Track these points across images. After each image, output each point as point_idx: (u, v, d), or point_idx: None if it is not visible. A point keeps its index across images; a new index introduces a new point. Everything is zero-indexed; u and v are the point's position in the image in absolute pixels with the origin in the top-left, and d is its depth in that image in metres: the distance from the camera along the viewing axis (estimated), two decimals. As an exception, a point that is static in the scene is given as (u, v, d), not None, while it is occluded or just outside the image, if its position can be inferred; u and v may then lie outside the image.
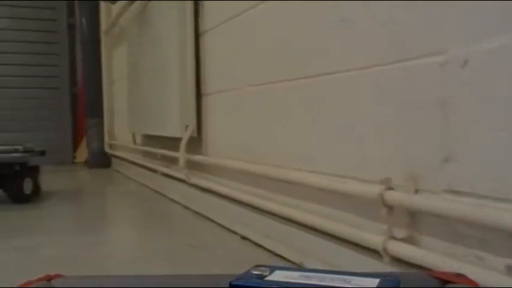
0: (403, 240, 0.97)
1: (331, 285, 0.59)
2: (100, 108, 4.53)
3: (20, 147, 2.55)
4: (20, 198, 2.57)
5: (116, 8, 3.81)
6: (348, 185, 1.10)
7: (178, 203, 2.47)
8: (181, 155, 2.14)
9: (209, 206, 2.06)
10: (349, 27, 1.13)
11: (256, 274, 0.63)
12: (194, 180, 2.13)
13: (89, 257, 1.57)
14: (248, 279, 0.61)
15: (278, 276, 0.62)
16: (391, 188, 0.98)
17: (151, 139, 3.01)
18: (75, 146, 5.28)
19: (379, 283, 0.59)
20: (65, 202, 2.72)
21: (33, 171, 2.76)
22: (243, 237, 1.71)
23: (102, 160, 4.58)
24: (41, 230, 2.01)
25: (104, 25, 4.36)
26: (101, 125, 4.56)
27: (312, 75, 1.28)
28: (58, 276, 0.72)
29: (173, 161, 2.40)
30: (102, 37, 4.42)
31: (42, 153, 2.76)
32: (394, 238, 0.98)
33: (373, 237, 1.01)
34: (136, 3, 2.98)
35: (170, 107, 2.34)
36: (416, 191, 0.94)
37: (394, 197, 0.96)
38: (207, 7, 2.04)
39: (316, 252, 1.29)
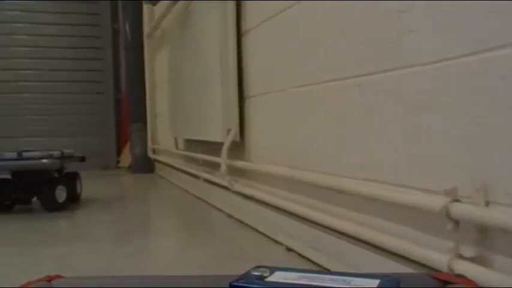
0: (471, 259, 0.85)
1: (331, 286, 0.58)
2: (143, 112, 4.51)
3: (56, 153, 2.48)
4: (52, 207, 2.49)
5: (158, 10, 3.77)
6: (407, 196, 0.99)
7: (221, 210, 2.38)
8: (223, 160, 2.05)
9: (253, 214, 1.96)
10: (408, 17, 1.01)
11: (256, 275, 0.62)
12: (237, 187, 2.04)
13: (126, 267, 1.49)
14: (248, 279, 0.61)
15: (278, 277, 0.62)
16: (457, 200, 0.86)
17: (193, 144, 2.94)
18: (119, 151, 5.29)
19: (379, 284, 0.58)
20: (103, 210, 2.64)
21: (70, 178, 2.69)
22: (289, 249, 1.61)
23: (145, 165, 4.55)
24: (76, 239, 1.96)
25: (146, 29, 4.34)
26: (144, 129, 4.54)
27: (363, 74, 1.17)
28: (58, 276, 0.72)
29: (215, 166, 2.32)
30: (145, 41, 4.40)
31: (82, 159, 2.71)
32: (461, 257, 0.86)
33: (437, 256, 0.89)
34: (178, 5, 2.92)
35: (212, 110, 2.26)
36: (487, 204, 0.82)
37: (461, 210, 0.84)
38: (249, 6, 1.95)
39: (369, 269, 1.17)
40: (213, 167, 2.43)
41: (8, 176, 2.51)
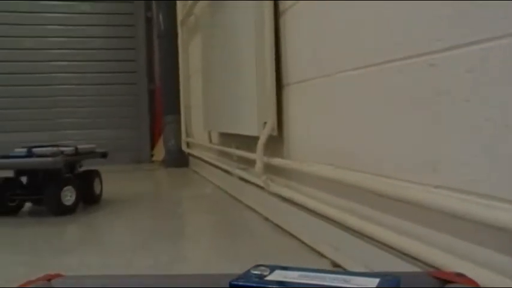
0: None
1: (331, 285, 0.58)
2: (177, 103, 4.30)
3: (69, 149, 2.24)
4: (58, 210, 2.20)
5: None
6: (497, 212, 0.72)
7: (256, 211, 2.14)
8: (258, 157, 1.80)
9: (292, 219, 1.71)
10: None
11: (256, 274, 0.62)
12: (274, 187, 1.79)
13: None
14: (248, 278, 0.61)
15: (278, 276, 0.62)
16: None
17: (227, 137, 2.70)
18: (153, 144, 5.10)
19: (379, 283, 0.58)
20: (124, 212, 2.34)
21: (86, 177, 2.44)
22: (335, 264, 1.35)
23: (179, 159, 4.35)
24: (81, 248, 1.74)
25: (180, 16, 4.12)
26: (178, 121, 4.33)
27: (437, 51, 0.90)
28: (58, 276, 0.72)
29: (251, 162, 2.07)
30: (179, 29, 4.18)
31: (104, 155, 2.47)
32: None
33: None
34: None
35: (246, 100, 2.01)
36: None
37: None
38: (288, -20, 1.69)
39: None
40: (249, 162, 2.18)
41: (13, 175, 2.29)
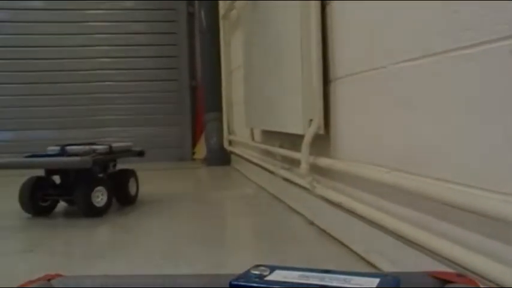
0: None
1: (331, 285, 0.58)
2: (219, 101, 4.21)
3: (102, 147, 2.14)
4: (89, 211, 2.10)
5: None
6: None
7: (300, 214, 2.01)
8: (303, 157, 1.68)
9: (340, 225, 1.58)
10: None
11: (256, 274, 0.62)
12: (320, 190, 1.66)
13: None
14: (248, 278, 0.61)
15: (278, 276, 0.61)
16: None
17: (270, 135, 2.58)
18: (195, 142, 5.02)
19: (379, 283, 0.57)
20: (158, 214, 2.21)
21: (120, 177, 2.33)
22: (390, 278, 1.21)
23: (221, 157, 4.26)
24: (119, 252, 1.64)
25: (222, 10, 4.02)
26: (220, 118, 4.23)
27: (519, 35, 0.76)
28: (58, 275, 0.72)
29: (295, 162, 1.94)
30: (221, 23, 4.08)
31: (140, 153, 2.37)
32: None
33: None
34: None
35: (290, 96, 1.88)
36: None
37: None
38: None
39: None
40: (293, 162, 2.06)
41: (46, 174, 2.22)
